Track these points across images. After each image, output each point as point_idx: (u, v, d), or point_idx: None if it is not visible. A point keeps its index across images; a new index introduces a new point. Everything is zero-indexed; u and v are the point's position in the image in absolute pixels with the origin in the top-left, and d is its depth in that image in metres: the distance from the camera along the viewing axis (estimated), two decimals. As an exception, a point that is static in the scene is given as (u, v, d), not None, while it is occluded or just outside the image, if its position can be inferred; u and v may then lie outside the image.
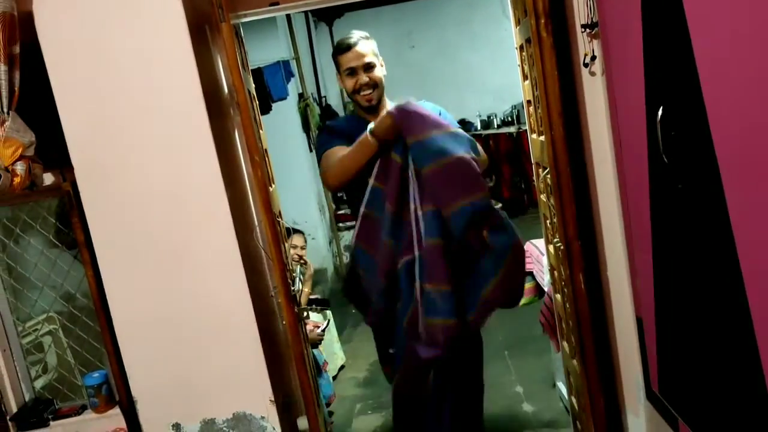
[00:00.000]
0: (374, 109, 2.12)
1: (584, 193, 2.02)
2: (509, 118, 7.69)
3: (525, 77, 2.21)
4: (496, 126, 7.65)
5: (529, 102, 2.22)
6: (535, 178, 2.33)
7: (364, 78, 2.08)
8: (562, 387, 3.17)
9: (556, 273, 2.29)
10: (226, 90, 2.31)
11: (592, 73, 1.90)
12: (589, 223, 2.03)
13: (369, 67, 2.08)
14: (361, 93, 2.09)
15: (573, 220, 1.92)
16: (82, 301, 2.60)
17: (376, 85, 2.10)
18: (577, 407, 2.36)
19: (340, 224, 6.75)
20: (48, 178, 2.16)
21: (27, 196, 2.14)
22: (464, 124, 7.66)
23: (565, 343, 2.38)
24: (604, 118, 1.96)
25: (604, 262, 2.08)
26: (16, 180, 1.85)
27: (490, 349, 4.26)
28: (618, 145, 1.91)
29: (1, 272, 2.48)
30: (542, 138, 2.02)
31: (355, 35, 2.11)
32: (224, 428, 2.17)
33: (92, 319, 2.55)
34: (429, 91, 7.78)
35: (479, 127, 7.66)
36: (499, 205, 2.31)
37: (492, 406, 3.40)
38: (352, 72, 2.08)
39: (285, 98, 5.14)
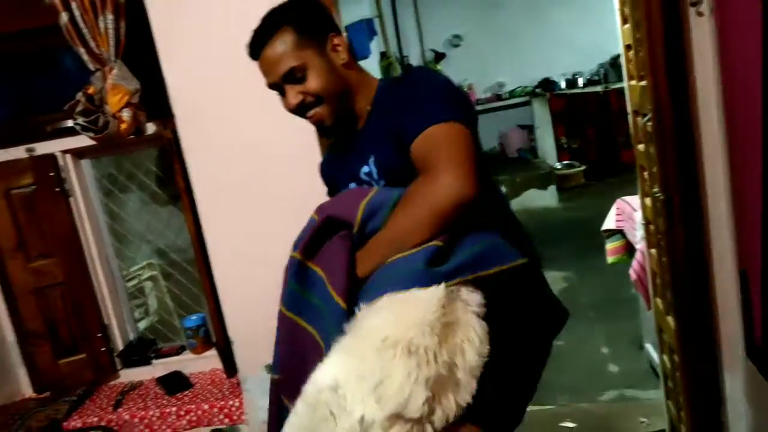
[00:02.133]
0: (343, 126, 1.46)
1: (687, 141, 1.93)
2: (595, 77, 7.41)
3: (624, 21, 2.11)
4: (581, 85, 7.39)
5: (628, 47, 2.12)
6: (632, 128, 2.24)
7: (291, 98, 1.38)
8: (650, 348, 3.10)
9: (652, 227, 2.21)
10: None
11: (700, 14, 1.79)
12: (691, 173, 1.94)
13: (293, 77, 1.37)
14: (306, 115, 1.42)
15: (674, 170, 1.84)
16: (180, 248, 2.75)
17: (319, 98, 1.38)
18: (669, 366, 2.29)
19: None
20: (150, 128, 2.26)
21: (132, 143, 2.25)
22: (548, 83, 7.43)
23: (658, 300, 2.31)
24: (712, 62, 1.85)
25: (706, 214, 1.99)
26: (123, 126, 1.94)
27: (574, 311, 4.24)
28: (727, 92, 1.81)
29: (107, 220, 2.63)
30: (643, 83, 1.93)
31: (257, 32, 1.40)
32: (314, 370, 2.24)
33: (191, 264, 2.68)
34: (513, 50, 7.62)
35: (564, 86, 7.42)
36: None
37: (578, 367, 3.37)
38: (277, 89, 1.42)
39: (367, 57, 5.14)
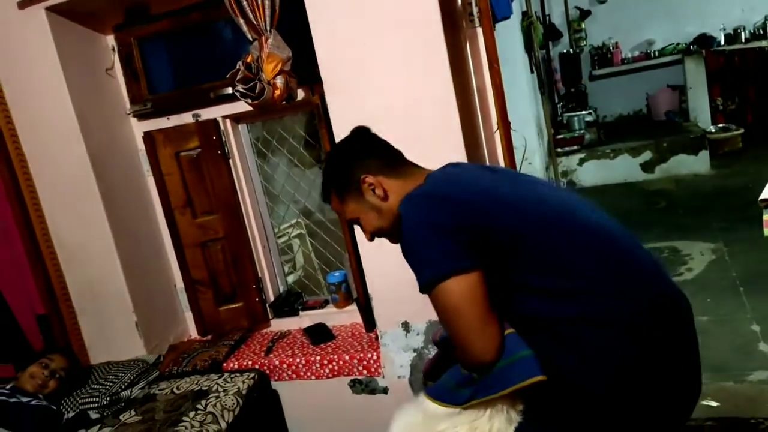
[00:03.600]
0: None
1: None
2: (760, 31, 6.74)
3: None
4: (743, 40, 6.75)
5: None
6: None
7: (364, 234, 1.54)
8: (811, 329, 2.88)
9: (817, 198, 2.04)
10: (459, 2, 2.34)
11: None
12: None
13: (355, 222, 1.53)
14: None
15: None
16: (325, 209, 2.91)
17: (381, 233, 1.50)
18: (830, 348, 2.13)
19: (559, 149, 6.58)
20: (300, 94, 2.40)
21: (284, 108, 2.41)
22: (705, 39, 6.87)
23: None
24: None
25: None
26: (277, 92, 2.08)
27: (722, 283, 3.99)
28: None
29: (261, 181, 2.84)
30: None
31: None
32: (449, 330, 2.32)
33: (334, 224, 2.84)
34: (666, 2, 7.10)
35: (723, 42, 6.83)
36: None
37: (723, 344, 3.20)
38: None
39: (509, 17, 5.02)
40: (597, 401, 1.28)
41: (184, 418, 2.16)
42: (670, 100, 7.35)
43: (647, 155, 6.48)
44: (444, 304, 1.27)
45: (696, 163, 6.36)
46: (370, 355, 2.43)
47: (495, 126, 2.32)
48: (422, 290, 1.30)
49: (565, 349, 1.28)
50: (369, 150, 1.51)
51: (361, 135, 1.55)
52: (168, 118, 2.63)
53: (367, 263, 2.38)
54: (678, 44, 7.11)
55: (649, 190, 6.23)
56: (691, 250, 4.53)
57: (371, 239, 1.52)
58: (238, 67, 2.15)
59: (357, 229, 2.34)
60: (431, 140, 2.21)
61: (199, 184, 2.61)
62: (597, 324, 1.26)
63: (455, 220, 1.28)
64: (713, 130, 6.77)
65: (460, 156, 2.18)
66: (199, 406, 2.23)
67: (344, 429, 2.55)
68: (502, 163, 2.34)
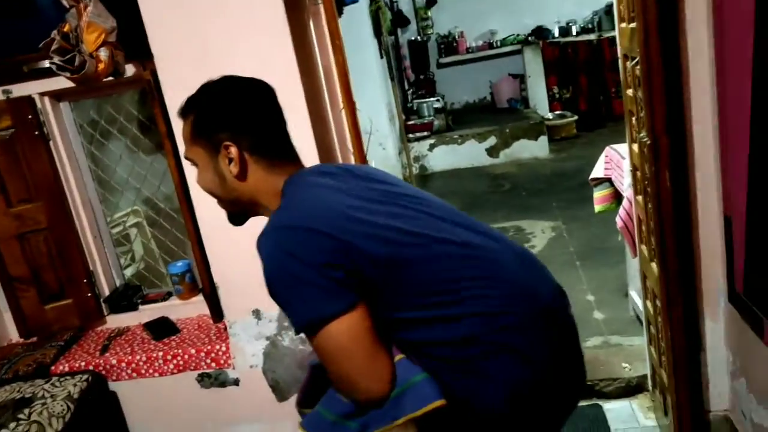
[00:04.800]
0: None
1: (675, 86, 1.90)
2: (589, 25, 7.29)
3: (617, -40, 2.06)
4: (575, 33, 7.27)
5: (619, -13, 2.07)
6: (621, 73, 2.21)
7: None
8: (635, 295, 3.14)
9: (638, 173, 2.20)
10: (301, -20, 2.26)
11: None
12: (678, 118, 1.92)
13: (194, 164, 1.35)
14: None
15: (662, 113, 1.82)
16: (165, 195, 2.72)
17: (213, 195, 1.36)
18: (652, 312, 2.32)
19: (410, 135, 6.71)
20: (129, 70, 2.20)
21: (111, 85, 2.20)
22: (541, 31, 7.31)
23: (643, 247, 2.32)
24: (703, 4, 1.82)
25: (692, 160, 1.98)
26: (101, 66, 1.89)
27: (561, 258, 4.28)
28: (717, 35, 1.78)
29: (90, 165, 2.59)
30: (633, 25, 1.89)
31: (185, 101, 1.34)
32: (300, 316, 2.25)
33: (175, 211, 2.66)
34: (505, -4, 7.47)
35: (557, 35, 7.31)
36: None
37: (562, 312, 3.41)
38: None
39: (357, 1, 5.01)
40: (501, 419, 1.23)
41: (3, 431, 1.91)
42: (512, 88, 7.76)
43: (492, 140, 6.79)
44: (325, 347, 1.16)
45: (536, 148, 6.77)
46: (218, 347, 2.31)
47: (341, 105, 2.27)
48: (297, 332, 1.19)
49: (461, 371, 1.21)
50: (254, 120, 1.31)
51: (257, 95, 1.34)
52: (-27, 94, 2.31)
53: (212, 251, 2.25)
54: (518, 35, 7.51)
55: (495, 173, 6.55)
56: (533, 229, 4.81)
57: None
58: (52, 36, 1.92)
59: (200, 216, 2.22)
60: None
61: (13, 169, 2.32)
62: (489, 344, 1.20)
63: (324, 258, 1.14)
64: (551, 117, 7.24)
65: (306, 137, 2.11)
66: (21, 416, 1.99)
67: (194, 426, 2.41)
68: (349, 144, 2.30)
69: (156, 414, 2.40)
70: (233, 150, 1.27)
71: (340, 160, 2.40)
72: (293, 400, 2.29)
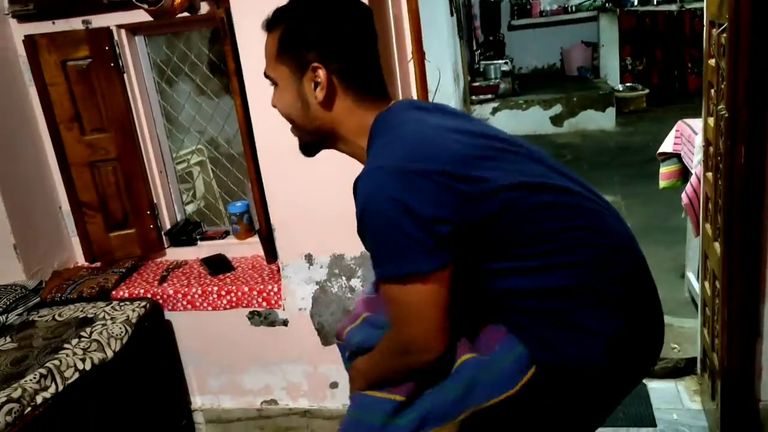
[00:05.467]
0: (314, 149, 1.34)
1: (762, 57, 1.80)
2: (672, -6, 6.97)
3: None
4: (655, 2, 6.96)
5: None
6: (705, 41, 2.11)
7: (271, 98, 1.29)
8: (692, 277, 3.05)
9: (711, 148, 2.12)
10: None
11: None
12: (761, 91, 1.83)
13: (271, 81, 1.26)
14: None
15: (744, 85, 1.74)
16: (229, 136, 2.77)
17: (290, 119, 1.28)
18: (709, 293, 2.26)
19: (474, 97, 6.61)
20: (204, 8, 2.22)
21: (185, 21, 2.23)
22: (621, -2, 7.02)
23: (707, 226, 2.24)
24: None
25: (771, 138, 1.90)
26: (177, 1, 1.92)
27: (617, 234, 4.18)
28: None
29: (160, 101, 2.65)
30: (723, -10, 1.80)
31: (271, 14, 1.24)
32: (351, 264, 2.28)
33: (238, 152, 2.71)
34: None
35: (636, 3, 7.00)
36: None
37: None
38: None
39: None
40: (596, 372, 1.20)
41: (66, 346, 2.02)
42: (584, 56, 7.53)
43: (558, 108, 6.64)
44: (405, 302, 1.12)
45: (603, 120, 6.58)
46: (270, 287, 2.36)
47: (409, 56, 2.24)
48: (382, 282, 1.15)
49: (550, 324, 1.18)
50: (348, 43, 1.19)
51: (355, 16, 1.21)
52: (53, 23, 2.37)
53: (270, 193, 2.28)
54: (594, 1, 7.24)
55: (558, 142, 6.41)
56: (592, 202, 4.71)
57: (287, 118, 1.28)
58: (132, -33, 1.95)
59: (261, 158, 2.24)
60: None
61: (88, 98, 2.39)
62: (589, 294, 1.16)
63: (435, 211, 1.07)
64: (621, 89, 7.01)
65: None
66: (83, 334, 2.09)
67: (241, 359, 2.49)
68: (415, 96, 2.28)
69: (207, 346, 2.49)
70: (321, 73, 1.17)
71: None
72: (338, 353, 2.35)
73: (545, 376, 1.19)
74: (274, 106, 1.27)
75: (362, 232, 1.14)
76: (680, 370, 2.69)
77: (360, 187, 1.12)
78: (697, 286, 2.72)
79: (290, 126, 1.30)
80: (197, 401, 2.58)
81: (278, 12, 1.21)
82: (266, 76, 1.25)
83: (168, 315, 2.45)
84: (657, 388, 2.60)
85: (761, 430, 2.17)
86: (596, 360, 1.18)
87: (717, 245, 2.07)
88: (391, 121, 1.20)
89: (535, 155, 1.23)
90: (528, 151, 1.23)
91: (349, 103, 1.21)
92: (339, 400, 2.43)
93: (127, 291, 2.45)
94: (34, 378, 1.83)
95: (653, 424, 2.38)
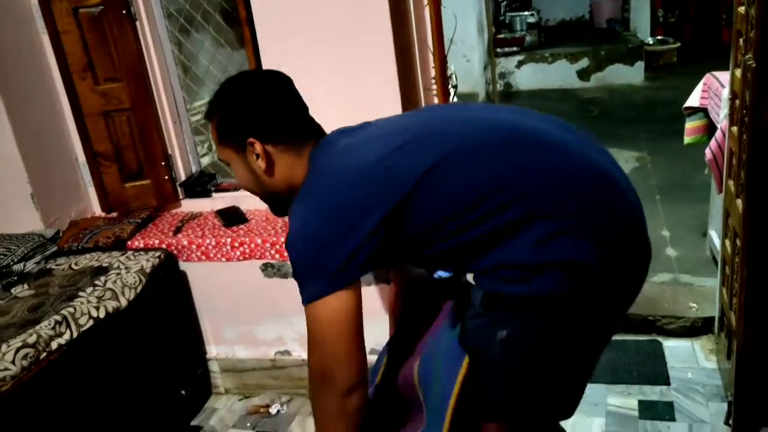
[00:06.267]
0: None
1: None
2: (709, -57, 6.67)
3: None
4: (691, -49, 6.67)
5: None
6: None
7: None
8: (714, 236, 2.99)
9: (737, 101, 2.04)
10: None
11: None
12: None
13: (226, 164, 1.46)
14: None
15: (774, 34, 1.65)
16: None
17: (252, 191, 1.48)
18: (730, 251, 2.20)
19: (498, 49, 6.46)
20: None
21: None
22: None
23: (731, 182, 2.18)
24: None
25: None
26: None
27: (641, 190, 4.11)
28: None
29: (173, 50, 2.62)
30: (757, -67, 1.69)
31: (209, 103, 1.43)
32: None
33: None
34: None
35: (670, -48, 6.72)
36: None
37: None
38: None
39: None
40: (566, 302, 1.23)
41: (81, 294, 2.05)
42: (614, 7, 7.29)
43: (584, 62, 6.47)
44: (331, 320, 1.23)
45: (631, 74, 6.41)
46: (283, 240, 2.35)
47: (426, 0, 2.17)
48: (307, 303, 1.26)
49: (522, 279, 1.22)
50: (273, 114, 1.35)
51: (273, 89, 1.37)
52: (65, -31, 2.34)
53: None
54: (627, -51, 6.97)
55: (584, 97, 6.27)
56: (617, 158, 4.58)
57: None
58: None
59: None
60: (357, 21, 2.07)
61: (101, 47, 2.37)
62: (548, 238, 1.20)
63: (360, 213, 1.22)
64: (651, 42, 6.79)
65: (384, 30, 2.04)
66: (97, 282, 2.12)
67: (255, 311, 2.52)
68: (430, 40, 2.20)
69: (221, 296, 2.51)
70: (258, 146, 1.32)
71: (418, 65, 2.32)
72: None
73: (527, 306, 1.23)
74: (238, 184, 1.47)
75: (294, 258, 1.28)
76: (697, 329, 2.66)
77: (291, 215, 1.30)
78: (718, 244, 2.66)
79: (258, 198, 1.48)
80: (212, 351, 2.62)
81: (211, 105, 1.39)
82: (219, 159, 1.46)
83: (183, 266, 2.47)
84: (672, 347, 2.58)
85: (776, 390, 2.15)
86: (561, 288, 1.21)
87: (739, 202, 2.01)
88: (320, 151, 1.35)
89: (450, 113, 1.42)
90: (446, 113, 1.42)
91: (289, 159, 1.35)
92: (351, 352, 2.45)
93: (142, 241, 2.47)
94: (49, 324, 1.87)
95: (667, 383, 2.37)
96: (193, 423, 2.48)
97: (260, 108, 1.34)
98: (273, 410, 2.47)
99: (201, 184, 2.69)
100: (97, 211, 2.70)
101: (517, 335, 1.23)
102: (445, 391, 1.28)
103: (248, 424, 2.43)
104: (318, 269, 1.22)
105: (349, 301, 1.22)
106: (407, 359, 1.48)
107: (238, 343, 2.58)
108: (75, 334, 1.92)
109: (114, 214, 2.65)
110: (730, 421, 2.08)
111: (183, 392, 2.44)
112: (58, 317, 1.90)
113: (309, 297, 1.23)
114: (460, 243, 1.23)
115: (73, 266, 2.27)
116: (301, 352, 2.52)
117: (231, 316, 2.54)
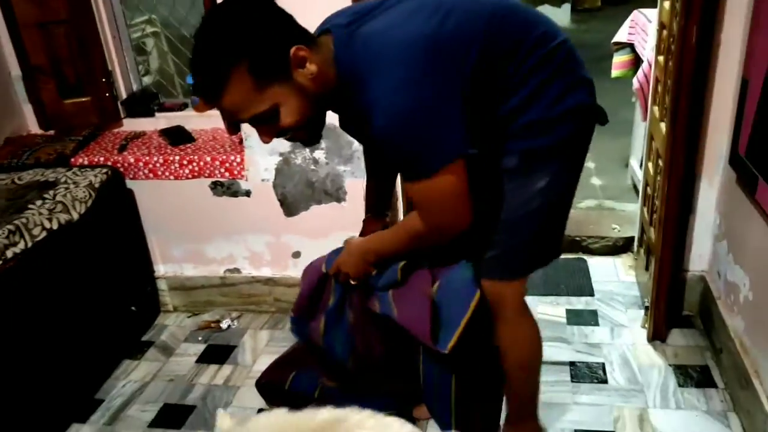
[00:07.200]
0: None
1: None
2: None
3: None
4: None
5: None
6: None
7: (264, 136, 1.29)
8: (635, 165, 3.22)
9: (665, 32, 2.20)
10: None
11: None
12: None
13: (263, 119, 1.23)
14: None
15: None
16: (180, 16, 2.66)
17: (298, 128, 1.28)
18: (652, 172, 2.40)
19: None
20: None
21: None
22: None
23: (655, 107, 2.36)
24: None
25: (722, 18, 1.99)
26: None
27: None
28: None
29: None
30: None
31: (201, 78, 1.20)
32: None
33: (190, 33, 2.63)
34: None
35: None
36: None
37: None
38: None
39: None
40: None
41: (30, 206, 2.02)
42: (543, -51, 7.37)
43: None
44: (442, 192, 1.28)
45: (558, 15, 6.57)
46: (233, 158, 2.38)
47: None
48: (420, 176, 1.27)
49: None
50: (283, 14, 1.22)
51: (257, 4, 1.19)
52: None
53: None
54: None
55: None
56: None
57: (279, 136, 1.28)
58: None
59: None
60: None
61: (35, -47, 2.26)
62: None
63: (462, 68, 1.24)
64: (577, -15, 6.97)
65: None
66: (46, 196, 2.09)
67: (204, 229, 2.54)
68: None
69: (169, 215, 2.52)
70: (302, 51, 1.20)
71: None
72: (300, 223, 2.42)
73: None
74: (285, 127, 1.26)
75: (389, 139, 1.23)
76: (618, 248, 2.90)
77: (381, 102, 1.19)
78: (639, 173, 2.88)
79: (298, 134, 1.32)
80: (160, 269, 2.64)
81: (227, 55, 1.15)
82: (261, 114, 1.21)
83: (130, 184, 2.46)
84: (596, 264, 2.81)
85: (684, 296, 2.40)
86: (576, 129, 1.41)
87: (663, 125, 2.19)
88: (351, 47, 1.25)
89: None
90: None
91: (318, 57, 1.24)
92: (300, 269, 2.52)
93: (86, 159, 2.43)
94: (3, 233, 1.85)
95: (591, 294, 2.59)
96: (144, 338, 2.52)
97: (276, 16, 1.21)
98: (224, 325, 2.54)
99: (143, 103, 2.65)
100: (34, 128, 2.62)
101: (552, 181, 1.38)
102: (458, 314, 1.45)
103: (200, 338, 2.49)
104: (431, 140, 1.21)
105: (462, 170, 1.27)
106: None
107: (186, 261, 2.61)
108: (30, 244, 1.90)
109: (52, 132, 2.58)
110: (646, 325, 2.31)
111: (133, 308, 2.47)
112: (11, 227, 1.88)
113: (427, 170, 1.24)
114: (514, 107, 1.33)
115: (17, 181, 2.22)
116: (250, 270, 2.58)
117: (179, 235, 2.56)
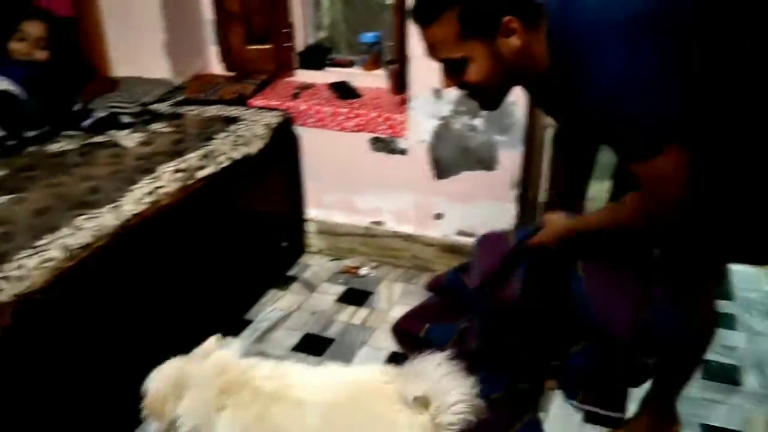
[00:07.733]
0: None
1: None
2: None
3: None
4: None
5: None
6: None
7: (446, 79, 1.35)
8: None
9: None
10: None
11: None
12: None
13: (451, 64, 1.29)
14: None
15: None
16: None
17: (478, 88, 1.32)
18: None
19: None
20: None
21: None
22: None
23: None
24: None
25: None
26: None
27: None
28: None
29: None
30: None
31: (420, 3, 1.27)
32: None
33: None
34: None
35: None
36: None
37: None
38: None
39: None
40: None
41: (216, 136, 2.24)
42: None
43: None
44: (666, 174, 1.20)
45: None
46: (396, 116, 2.49)
47: None
48: (647, 153, 1.19)
49: None
50: None
51: None
52: None
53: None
54: None
55: None
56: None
57: (459, 87, 1.33)
58: None
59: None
60: None
61: None
62: None
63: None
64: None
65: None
66: (229, 129, 2.30)
67: (357, 182, 2.68)
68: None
69: (328, 163, 2.68)
70: (515, 23, 1.22)
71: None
72: (448, 186, 2.49)
73: None
74: (467, 83, 1.30)
75: (615, 102, 1.17)
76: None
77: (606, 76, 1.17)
78: None
79: (477, 94, 1.36)
80: (311, 213, 2.82)
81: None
82: (451, 60, 1.27)
83: (297, 130, 2.63)
84: (740, 270, 2.71)
85: None
86: None
87: None
88: (569, 18, 1.23)
89: None
90: None
91: (531, 35, 1.25)
92: (441, 230, 2.63)
93: (263, 101, 2.63)
94: (197, 156, 2.06)
95: (731, 299, 2.52)
96: (289, 273, 2.72)
97: None
98: (362, 272, 2.70)
99: (317, 56, 2.81)
100: (216, 70, 2.85)
101: None
102: None
103: (340, 281, 2.66)
104: (663, 115, 1.16)
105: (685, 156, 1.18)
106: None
107: (336, 208, 2.77)
108: (216, 170, 2.11)
109: (233, 74, 2.79)
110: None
111: (285, 244, 2.67)
112: (201, 152, 2.10)
113: (654, 145, 1.18)
114: None
115: (203, 114, 2.45)
116: (393, 225, 2.71)
117: (333, 183, 2.72)
